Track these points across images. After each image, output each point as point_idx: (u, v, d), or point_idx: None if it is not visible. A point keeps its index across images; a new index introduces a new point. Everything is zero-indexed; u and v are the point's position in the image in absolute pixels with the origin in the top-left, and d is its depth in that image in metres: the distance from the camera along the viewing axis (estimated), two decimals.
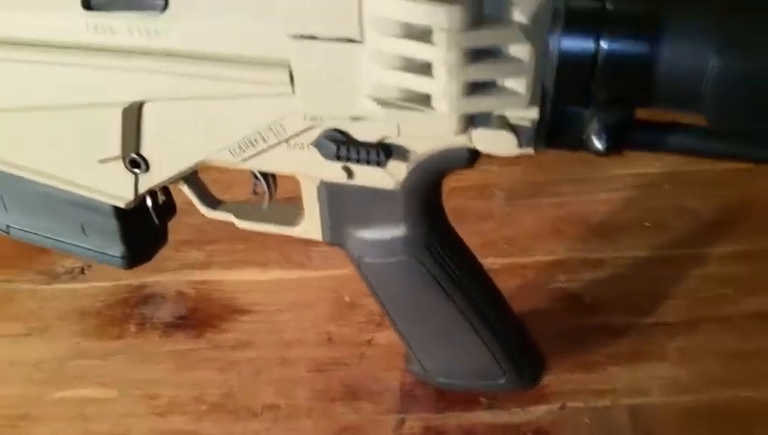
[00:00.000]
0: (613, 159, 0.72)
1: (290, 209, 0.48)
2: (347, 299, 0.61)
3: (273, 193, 0.48)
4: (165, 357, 0.57)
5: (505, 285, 0.60)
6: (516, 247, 0.65)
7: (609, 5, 0.32)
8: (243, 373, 0.55)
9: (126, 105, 0.42)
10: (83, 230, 0.51)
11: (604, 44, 0.32)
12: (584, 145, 0.36)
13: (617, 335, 0.57)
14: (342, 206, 0.44)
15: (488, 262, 0.63)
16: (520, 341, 0.50)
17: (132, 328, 0.59)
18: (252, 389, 0.54)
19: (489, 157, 0.64)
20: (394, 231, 0.44)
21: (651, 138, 0.36)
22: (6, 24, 0.41)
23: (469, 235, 0.65)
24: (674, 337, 0.56)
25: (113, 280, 0.63)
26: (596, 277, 0.62)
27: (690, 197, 0.69)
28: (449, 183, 0.70)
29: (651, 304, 0.59)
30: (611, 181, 0.72)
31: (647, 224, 0.67)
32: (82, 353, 0.57)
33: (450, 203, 0.69)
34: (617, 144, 0.35)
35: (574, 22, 0.32)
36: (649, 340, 0.56)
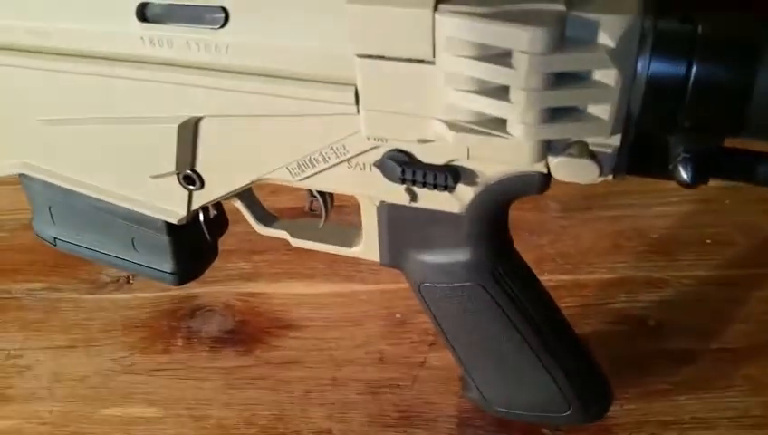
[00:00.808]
0: None
1: (346, 229, 0.46)
2: (398, 316, 0.59)
3: (329, 211, 0.46)
4: (213, 374, 0.55)
5: (562, 304, 0.58)
6: (573, 263, 0.63)
7: (700, 28, 0.30)
8: (293, 394, 0.54)
9: (182, 120, 0.41)
10: (133, 245, 0.50)
11: (696, 69, 0.30)
12: (668, 174, 0.33)
13: (681, 361, 0.54)
14: (403, 228, 0.42)
15: (543, 279, 0.60)
16: (588, 374, 0.47)
17: (179, 342, 0.58)
18: (303, 411, 0.53)
19: None
20: (457, 256, 0.42)
21: (740, 168, 0.34)
22: (62, 36, 0.40)
23: (523, 250, 0.63)
24: (741, 364, 0.54)
25: (160, 290, 0.62)
26: (659, 298, 0.59)
27: (752, 213, 0.66)
28: None
29: (716, 327, 0.57)
30: (670, 194, 0.69)
31: (708, 241, 0.64)
32: (129, 369, 0.56)
33: None
34: (704, 174, 0.33)
35: (664, 45, 0.30)
36: (716, 366, 0.54)
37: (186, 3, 0.37)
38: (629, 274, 0.62)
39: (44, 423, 0.53)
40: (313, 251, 0.63)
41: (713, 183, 0.69)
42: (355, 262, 0.63)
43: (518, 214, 0.68)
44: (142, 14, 0.38)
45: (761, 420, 0.50)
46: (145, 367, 0.56)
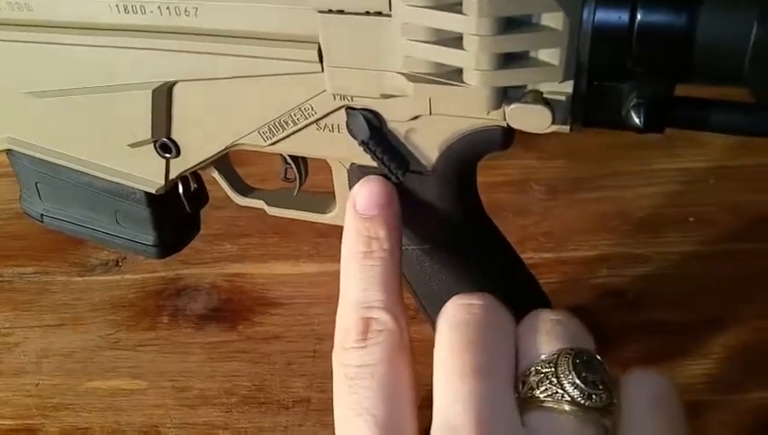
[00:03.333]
0: (657, 153, 0.70)
1: (321, 196, 0.47)
2: None
3: (304, 179, 0.47)
4: (197, 349, 0.56)
5: (543, 280, 0.58)
6: (556, 242, 0.64)
7: None
8: (274, 366, 0.54)
9: (156, 86, 0.42)
10: (116, 218, 0.51)
11: (640, 15, 0.31)
12: (623, 122, 0.34)
13: (660, 332, 0.55)
14: None
15: (525, 257, 0.61)
16: None
17: (165, 320, 0.59)
18: (283, 382, 0.53)
19: (529, 150, 0.62)
20: (427, 217, 0.43)
21: (693, 114, 0.34)
22: (41, 8, 0.41)
23: (506, 230, 0.63)
24: (720, 334, 0.54)
25: (147, 272, 0.63)
26: (639, 273, 0.60)
27: (736, 191, 0.67)
28: (487, 178, 0.69)
29: (696, 300, 0.57)
30: (655, 176, 0.70)
31: (691, 219, 0.65)
32: (114, 344, 0.57)
33: (487, 198, 0.68)
34: (656, 120, 0.33)
35: None
36: (694, 337, 0.54)
37: None
38: (612, 250, 0.62)
39: (30, 395, 0.54)
40: (299, 232, 0.64)
41: (698, 163, 0.70)
42: (339, 242, 0.64)
43: (502, 196, 0.70)
44: None
45: (736, 385, 0.51)
46: (130, 343, 0.57)
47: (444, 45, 0.33)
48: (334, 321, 0.58)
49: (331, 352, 0.54)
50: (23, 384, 0.55)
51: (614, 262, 0.61)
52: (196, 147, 0.45)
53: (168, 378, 0.54)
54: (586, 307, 0.58)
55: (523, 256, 0.60)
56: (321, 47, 0.36)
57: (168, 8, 0.39)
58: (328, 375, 0.54)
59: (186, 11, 0.38)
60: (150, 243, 0.51)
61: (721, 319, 0.55)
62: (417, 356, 0.54)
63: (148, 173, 0.47)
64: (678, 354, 0.53)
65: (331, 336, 0.56)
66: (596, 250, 0.62)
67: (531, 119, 0.34)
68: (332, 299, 0.60)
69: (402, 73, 0.35)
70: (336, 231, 0.46)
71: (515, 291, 0.45)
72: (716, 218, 0.65)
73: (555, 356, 0.29)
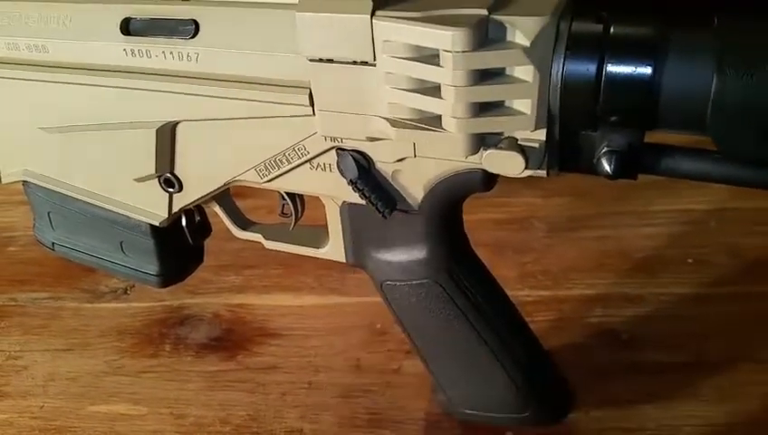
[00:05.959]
0: (658, 193, 0.71)
1: (316, 231, 0.49)
2: (378, 326, 0.61)
3: (300, 215, 0.49)
4: (196, 377, 0.58)
5: (539, 317, 0.60)
6: (553, 280, 0.65)
7: (611, 29, 0.32)
8: (269, 396, 0.56)
9: (159, 125, 0.44)
10: (122, 248, 0.53)
11: (607, 67, 0.32)
12: (594, 168, 0.36)
13: (652, 373, 0.55)
14: (364, 227, 0.45)
15: (523, 295, 0.62)
16: (545, 373, 0.49)
17: (167, 347, 0.60)
18: (277, 412, 0.54)
19: (532, 187, 0.63)
20: (414, 253, 0.44)
21: (663, 162, 0.36)
22: (58, 50, 0.44)
23: (506, 267, 0.65)
24: (711, 377, 0.54)
25: (154, 301, 0.65)
26: (634, 313, 0.61)
27: (736, 235, 0.67)
28: (490, 214, 0.71)
29: (689, 341, 0.57)
30: (656, 216, 0.71)
31: (690, 261, 0.65)
32: (118, 370, 0.59)
33: (489, 235, 0.69)
34: (626, 168, 0.35)
35: (577, 45, 0.33)
36: (685, 378, 0.54)
37: (162, 16, 0.41)
38: (608, 290, 0.63)
39: (35, 417, 0.55)
40: (302, 265, 0.66)
41: (699, 205, 0.71)
42: (341, 276, 0.66)
43: (504, 233, 0.71)
44: (126, 29, 0.42)
45: (724, 428, 0.51)
46: (133, 369, 0.59)
47: (423, 93, 0.35)
48: (331, 354, 0.60)
49: (326, 384, 0.56)
50: (28, 406, 0.56)
51: (610, 301, 0.62)
52: (198, 183, 0.47)
53: (166, 405, 0.56)
54: (579, 346, 0.58)
55: (520, 293, 0.62)
56: (312, 92, 0.38)
57: (171, 53, 0.41)
58: (321, 407, 0.56)
59: (188, 56, 0.41)
60: (154, 272, 0.53)
61: (715, 362, 0.55)
62: (412, 389, 0.55)
63: (153, 206, 0.49)
64: (669, 396, 0.53)
65: (327, 368, 0.58)
66: (593, 289, 0.63)
67: (505, 164, 0.36)
68: (330, 332, 0.62)
69: (385, 118, 0.37)
70: (338, 264, 0.48)
71: (499, 325, 0.46)
72: (715, 260, 0.65)
73: None
